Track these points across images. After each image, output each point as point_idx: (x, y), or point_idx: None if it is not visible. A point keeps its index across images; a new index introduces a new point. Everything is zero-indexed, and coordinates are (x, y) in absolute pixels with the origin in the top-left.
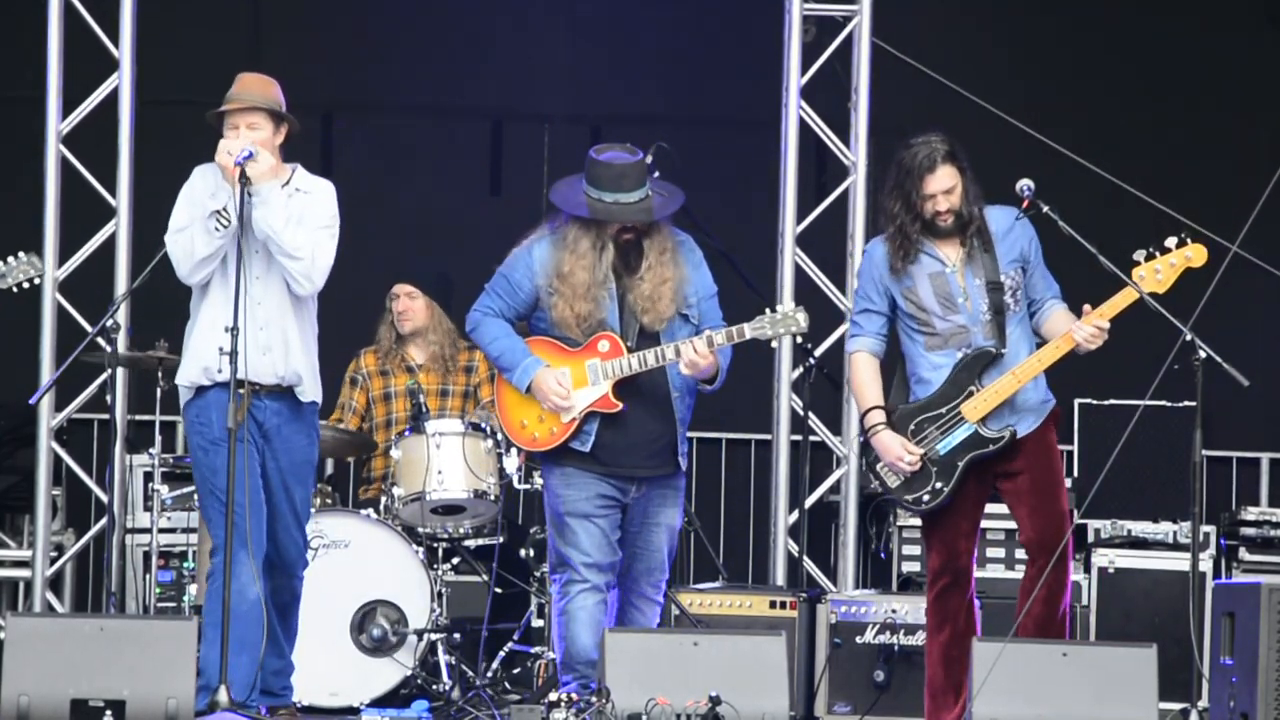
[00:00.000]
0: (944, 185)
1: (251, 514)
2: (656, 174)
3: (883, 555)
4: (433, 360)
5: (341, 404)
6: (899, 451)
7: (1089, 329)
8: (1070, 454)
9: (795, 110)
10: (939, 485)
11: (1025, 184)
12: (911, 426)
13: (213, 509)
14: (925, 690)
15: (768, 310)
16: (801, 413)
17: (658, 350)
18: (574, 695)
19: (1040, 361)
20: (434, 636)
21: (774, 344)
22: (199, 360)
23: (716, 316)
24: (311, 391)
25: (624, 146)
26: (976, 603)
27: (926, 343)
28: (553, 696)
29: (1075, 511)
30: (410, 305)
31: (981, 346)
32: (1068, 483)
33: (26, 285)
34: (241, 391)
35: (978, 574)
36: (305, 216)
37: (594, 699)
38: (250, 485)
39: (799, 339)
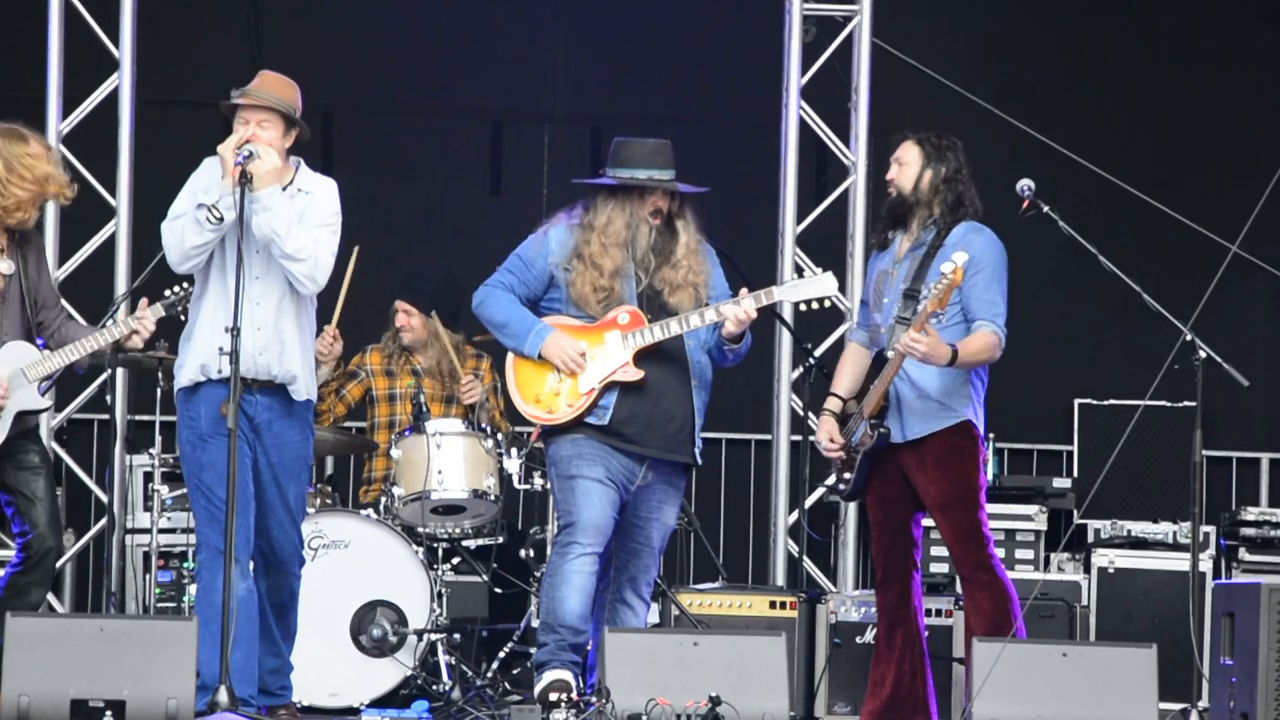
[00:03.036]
0: (895, 155)
1: (238, 511)
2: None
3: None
4: (431, 374)
5: (335, 388)
6: (822, 438)
7: (904, 339)
8: (1070, 454)
9: (795, 110)
10: (848, 476)
11: (1025, 184)
12: (850, 418)
13: (198, 505)
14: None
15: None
16: (801, 413)
17: (681, 317)
18: (571, 696)
19: (890, 370)
20: (434, 636)
21: (802, 308)
22: (197, 358)
23: None
24: (305, 390)
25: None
26: (918, 603)
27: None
28: (547, 679)
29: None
30: (408, 321)
31: (882, 348)
32: (1064, 483)
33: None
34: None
35: None
36: (307, 215)
37: (594, 699)
38: (239, 482)
39: (801, 341)
